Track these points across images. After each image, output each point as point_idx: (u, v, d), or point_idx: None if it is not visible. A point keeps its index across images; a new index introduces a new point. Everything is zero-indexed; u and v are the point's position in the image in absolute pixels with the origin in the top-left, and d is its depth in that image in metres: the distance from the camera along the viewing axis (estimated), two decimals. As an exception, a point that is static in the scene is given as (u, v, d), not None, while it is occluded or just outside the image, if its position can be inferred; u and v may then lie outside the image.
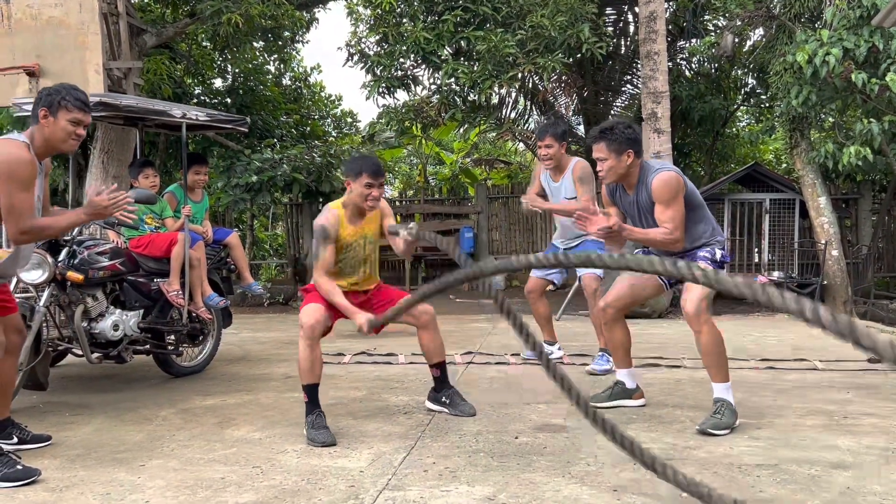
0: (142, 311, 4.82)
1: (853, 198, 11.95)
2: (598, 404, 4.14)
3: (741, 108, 14.37)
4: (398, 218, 13.93)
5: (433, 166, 19.13)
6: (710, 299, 3.79)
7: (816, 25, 9.45)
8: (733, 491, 2.81)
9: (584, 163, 5.19)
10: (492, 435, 3.63)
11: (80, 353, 4.50)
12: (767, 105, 12.70)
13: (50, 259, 4.20)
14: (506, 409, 4.15)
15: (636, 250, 4.25)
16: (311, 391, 3.70)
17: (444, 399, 4.12)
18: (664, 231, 3.68)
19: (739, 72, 12.98)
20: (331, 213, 3.86)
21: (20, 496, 2.86)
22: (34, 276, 4.13)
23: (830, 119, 10.15)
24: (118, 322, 4.56)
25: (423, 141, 15.53)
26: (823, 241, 10.00)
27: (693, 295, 3.68)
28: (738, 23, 10.51)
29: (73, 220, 3.28)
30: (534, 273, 5.57)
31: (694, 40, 12.95)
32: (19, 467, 3.00)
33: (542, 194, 5.43)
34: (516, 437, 3.58)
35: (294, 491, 2.88)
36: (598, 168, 3.85)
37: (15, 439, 3.46)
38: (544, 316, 5.65)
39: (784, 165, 15.36)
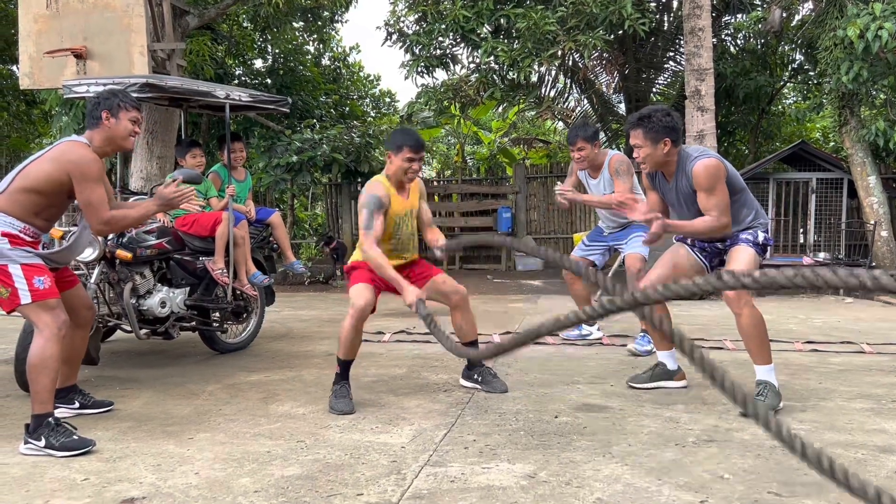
0: (188, 289, 4.92)
1: (904, 177, 11.60)
2: (639, 385, 4.13)
3: (788, 84, 14.01)
4: (436, 198, 13.95)
5: (471, 146, 19.07)
6: None
7: (869, -2, 9.13)
8: (778, 474, 2.79)
9: (619, 156, 5.14)
10: (531, 414, 3.65)
11: (128, 329, 4.62)
12: (815, 82, 12.36)
13: (100, 238, 4.31)
14: (545, 389, 4.16)
15: (674, 237, 4.19)
16: (345, 365, 3.83)
17: (476, 376, 4.17)
18: (710, 219, 3.63)
19: (786, 47, 12.65)
20: (380, 185, 3.84)
21: (76, 465, 2.97)
22: (85, 254, 4.25)
23: (882, 96, 9.84)
24: (165, 299, 4.68)
25: (462, 120, 15.48)
26: (872, 222, 9.75)
27: None
28: (787, -3, 10.22)
29: (144, 212, 3.51)
30: (575, 252, 5.56)
31: (740, 15, 12.65)
32: (75, 437, 3.12)
33: (579, 188, 5.40)
34: (556, 417, 3.59)
35: (338, 465, 2.94)
36: (635, 155, 3.82)
37: (77, 405, 3.71)
38: (582, 297, 5.62)
39: (832, 144, 14.96)
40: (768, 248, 3.85)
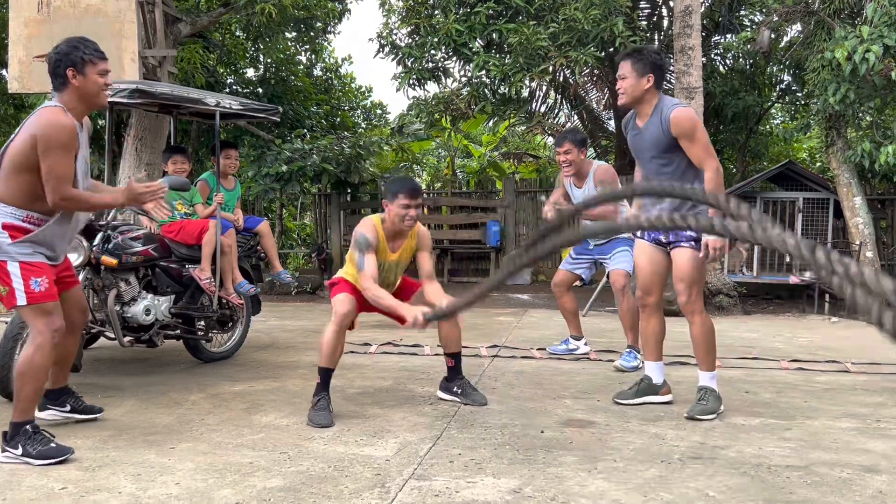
0: (173, 297, 4.88)
1: (889, 199, 11.69)
2: (624, 401, 4.12)
3: (776, 105, 14.14)
4: (425, 210, 13.94)
5: (461, 159, 19.10)
6: (701, 289, 3.82)
7: (856, 22, 9.25)
8: (763, 491, 2.78)
9: (605, 166, 5.14)
10: (517, 428, 3.63)
11: (112, 336, 4.57)
12: (803, 102, 12.49)
13: (85, 243, 4.27)
14: (531, 403, 4.14)
15: (657, 207, 4.09)
16: (326, 375, 3.82)
17: (455, 389, 4.16)
18: (710, 173, 3.64)
19: (775, 68, 12.76)
20: (372, 228, 3.86)
21: (54, 474, 2.92)
22: (70, 259, 4.19)
23: (868, 117, 9.94)
24: (150, 307, 4.63)
25: (452, 133, 15.51)
26: (858, 242, 9.81)
27: (683, 284, 3.79)
28: (776, 18, 10.32)
29: (109, 201, 3.32)
30: (562, 266, 5.57)
31: (729, 36, 12.77)
32: (53, 445, 3.06)
33: (567, 199, 5.40)
34: (542, 432, 3.57)
35: (321, 477, 2.90)
36: (618, 87, 3.87)
37: (68, 407, 3.62)
38: (570, 310, 5.63)
39: (818, 164, 15.08)
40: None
